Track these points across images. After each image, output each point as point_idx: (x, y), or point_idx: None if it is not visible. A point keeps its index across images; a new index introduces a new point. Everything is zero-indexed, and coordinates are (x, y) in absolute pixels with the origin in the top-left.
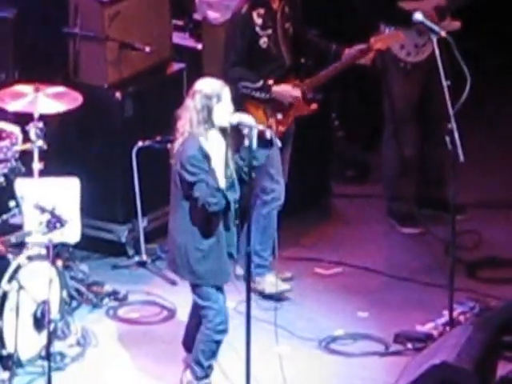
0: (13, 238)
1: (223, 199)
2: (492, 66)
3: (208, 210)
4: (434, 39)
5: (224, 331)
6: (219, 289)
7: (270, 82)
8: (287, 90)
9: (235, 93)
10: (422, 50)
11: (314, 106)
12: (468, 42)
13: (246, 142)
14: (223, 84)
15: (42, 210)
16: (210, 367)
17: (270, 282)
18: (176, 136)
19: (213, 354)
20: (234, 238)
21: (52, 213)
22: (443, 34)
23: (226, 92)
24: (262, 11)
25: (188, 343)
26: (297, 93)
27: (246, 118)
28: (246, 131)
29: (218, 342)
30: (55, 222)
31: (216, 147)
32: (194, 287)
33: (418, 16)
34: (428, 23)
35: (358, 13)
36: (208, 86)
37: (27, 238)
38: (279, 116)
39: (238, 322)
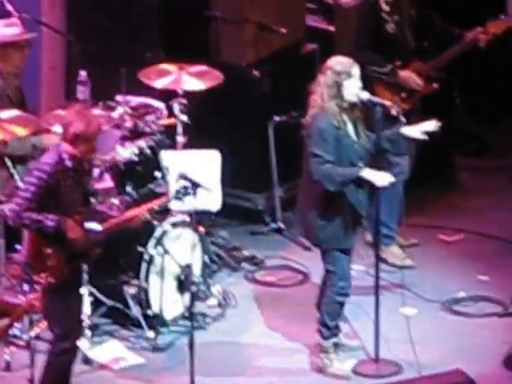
0: (156, 206)
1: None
2: None
3: (322, 186)
4: None
5: (346, 294)
6: (345, 255)
7: (398, 64)
8: (412, 78)
9: (363, 73)
10: None
11: (435, 85)
12: None
13: (376, 117)
14: (353, 62)
15: (186, 180)
16: (337, 327)
17: (394, 253)
18: (309, 110)
19: (337, 315)
20: (364, 200)
21: (192, 182)
22: None
23: (355, 69)
24: None
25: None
26: (419, 82)
27: (374, 96)
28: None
29: (341, 304)
30: (189, 188)
31: (348, 122)
32: (322, 252)
33: None
34: None
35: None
36: (338, 63)
37: (170, 205)
38: (403, 95)
39: (367, 284)
